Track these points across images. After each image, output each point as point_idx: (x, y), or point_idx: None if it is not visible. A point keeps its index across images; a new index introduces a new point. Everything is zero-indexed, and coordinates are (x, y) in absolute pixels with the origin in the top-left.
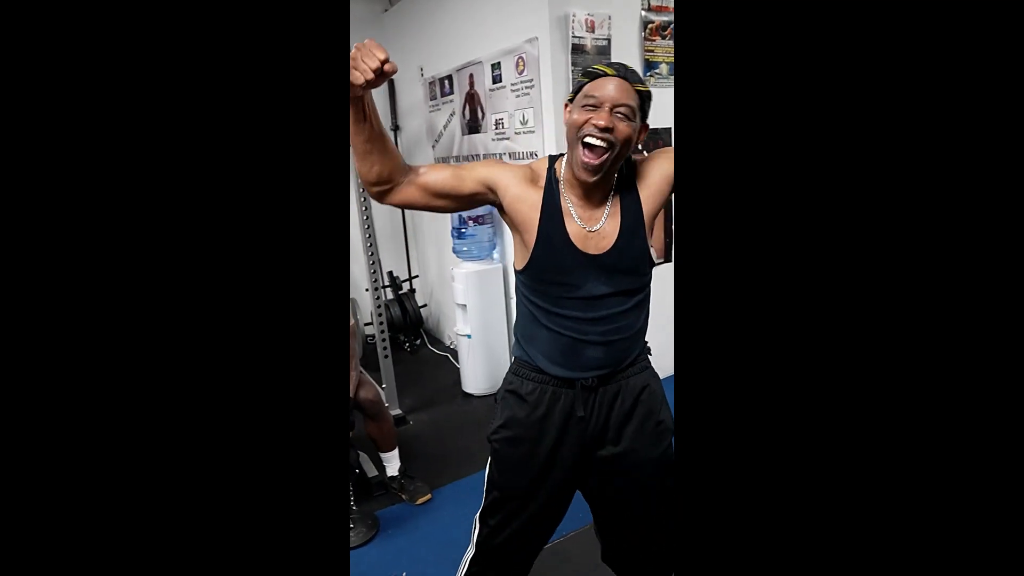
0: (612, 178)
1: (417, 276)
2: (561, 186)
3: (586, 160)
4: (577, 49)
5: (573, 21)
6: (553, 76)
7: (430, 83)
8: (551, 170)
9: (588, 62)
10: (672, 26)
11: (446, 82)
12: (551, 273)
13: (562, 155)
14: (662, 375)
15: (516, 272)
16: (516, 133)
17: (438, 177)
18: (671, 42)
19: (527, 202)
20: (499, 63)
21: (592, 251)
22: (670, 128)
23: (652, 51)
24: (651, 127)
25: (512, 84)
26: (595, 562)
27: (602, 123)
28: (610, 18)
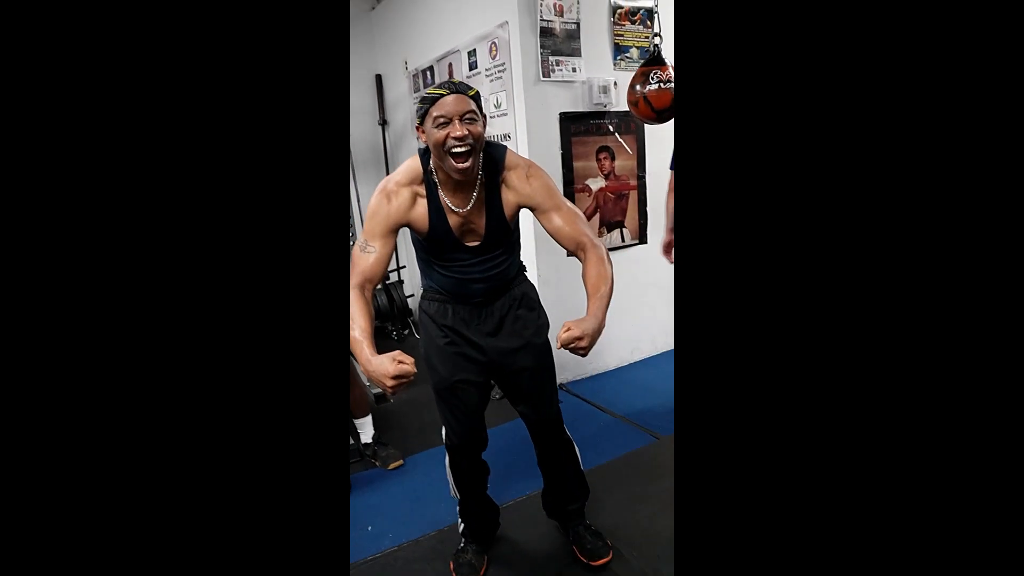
0: (477, 168)
1: (404, 267)
2: (438, 186)
3: (458, 166)
4: (546, 32)
5: (541, 5)
6: (523, 59)
7: (414, 75)
8: (428, 173)
9: (557, 45)
10: (641, 11)
11: (428, 73)
12: (439, 251)
13: (428, 153)
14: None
15: (414, 237)
16: (491, 117)
17: (369, 266)
18: (640, 27)
19: (419, 214)
20: (474, 50)
21: (469, 243)
22: None
23: (622, 35)
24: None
25: (486, 69)
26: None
27: (459, 133)
28: (579, 2)
